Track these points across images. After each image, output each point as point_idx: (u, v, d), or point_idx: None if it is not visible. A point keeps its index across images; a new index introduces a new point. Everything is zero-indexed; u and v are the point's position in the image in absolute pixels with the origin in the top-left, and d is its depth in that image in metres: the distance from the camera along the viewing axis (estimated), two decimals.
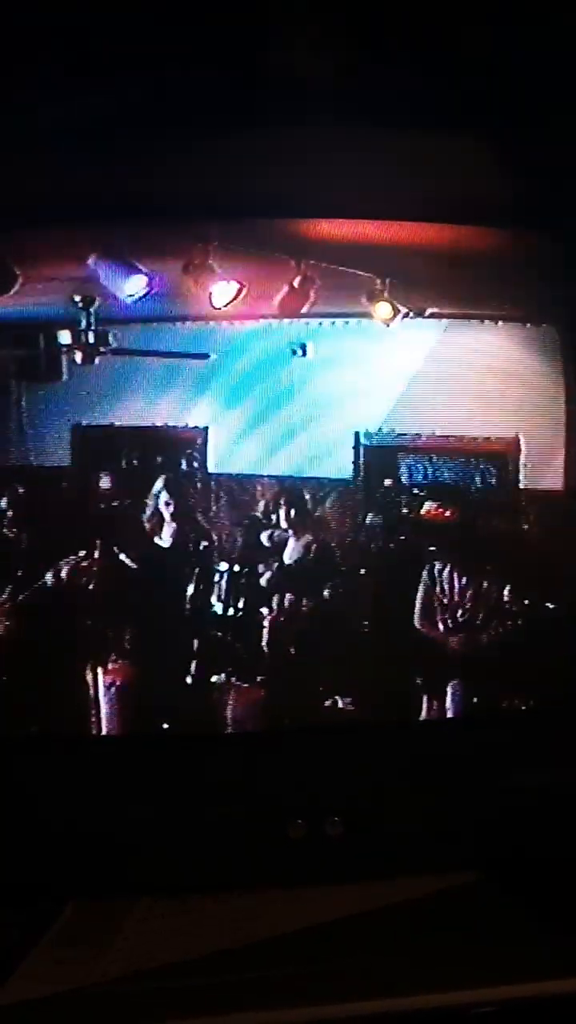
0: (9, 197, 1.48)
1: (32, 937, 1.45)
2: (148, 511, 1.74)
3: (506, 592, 1.73)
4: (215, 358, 1.72)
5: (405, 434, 1.74)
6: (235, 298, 1.70)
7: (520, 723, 1.70)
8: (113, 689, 1.69)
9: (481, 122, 1.54)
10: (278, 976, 1.35)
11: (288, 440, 1.70)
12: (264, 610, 1.73)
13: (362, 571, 1.74)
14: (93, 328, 1.68)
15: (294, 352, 1.72)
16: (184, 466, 1.76)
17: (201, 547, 1.76)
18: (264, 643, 1.72)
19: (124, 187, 1.52)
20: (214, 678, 1.71)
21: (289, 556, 1.79)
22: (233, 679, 1.71)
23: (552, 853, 1.55)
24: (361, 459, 1.76)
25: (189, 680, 1.70)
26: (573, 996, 1.32)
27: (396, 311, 1.72)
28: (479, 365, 1.72)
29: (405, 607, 1.74)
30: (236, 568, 1.75)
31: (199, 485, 1.76)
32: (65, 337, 1.69)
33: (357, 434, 1.74)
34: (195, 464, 1.75)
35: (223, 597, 1.75)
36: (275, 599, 1.74)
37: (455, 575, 1.76)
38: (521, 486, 1.74)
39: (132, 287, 1.67)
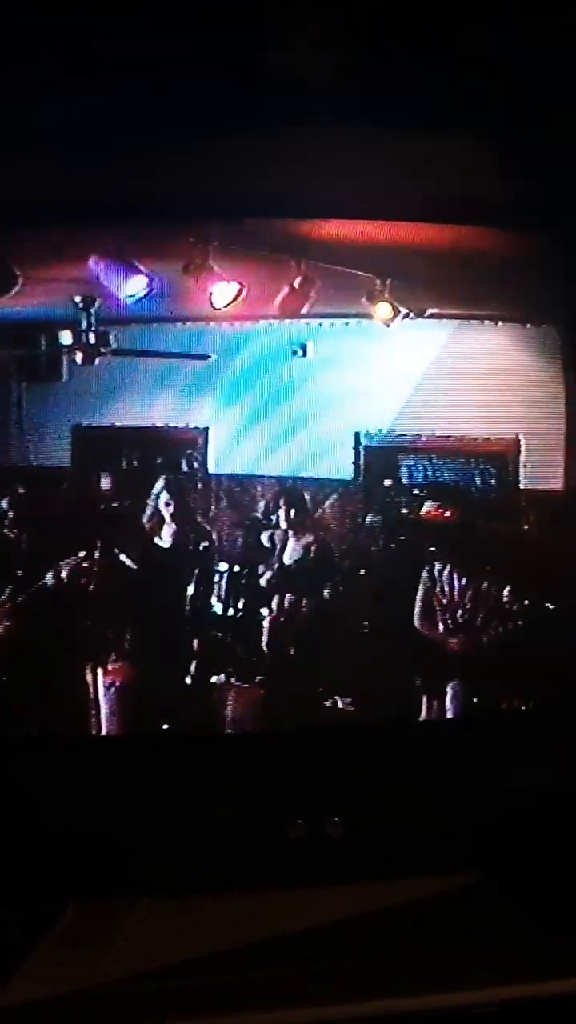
0: (9, 197, 1.48)
1: (33, 937, 1.45)
2: (148, 511, 1.75)
3: (506, 592, 1.73)
4: (215, 358, 1.72)
5: (405, 434, 1.74)
6: (235, 298, 1.71)
7: (520, 723, 1.70)
8: (113, 689, 1.69)
9: (481, 122, 1.55)
10: (278, 976, 1.35)
11: (288, 440, 1.70)
12: (264, 610, 1.74)
13: (362, 571, 1.74)
14: (93, 328, 1.68)
15: (294, 352, 1.72)
16: (184, 466, 1.76)
17: (201, 547, 1.76)
18: (264, 643, 1.72)
19: (124, 187, 1.52)
20: (214, 678, 1.71)
21: (289, 556, 1.79)
22: (233, 679, 1.71)
23: (552, 853, 1.55)
24: (361, 459, 1.76)
25: (189, 680, 1.71)
26: (573, 996, 1.32)
27: (396, 311, 1.72)
28: (479, 365, 1.73)
29: (405, 607, 1.74)
30: (236, 568, 1.76)
31: (199, 485, 1.76)
32: (66, 337, 1.69)
33: (357, 434, 1.74)
34: (195, 464, 1.76)
35: (223, 597, 1.75)
36: (275, 599, 1.75)
37: (455, 575, 1.76)
38: (521, 486, 1.74)
39: (132, 287, 1.67)
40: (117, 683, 1.70)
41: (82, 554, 1.69)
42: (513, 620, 1.72)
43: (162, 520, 1.76)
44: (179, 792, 1.53)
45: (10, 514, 1.69)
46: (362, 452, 1.76)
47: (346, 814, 1.54)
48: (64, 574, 1.69)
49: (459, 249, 1.66)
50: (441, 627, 1.75)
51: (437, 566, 1.76)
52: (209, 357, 1.72)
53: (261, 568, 1.76)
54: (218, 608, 1.75)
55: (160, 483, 1.74)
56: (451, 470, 1.77)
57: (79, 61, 1.53)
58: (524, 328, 1.73)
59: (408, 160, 1.55)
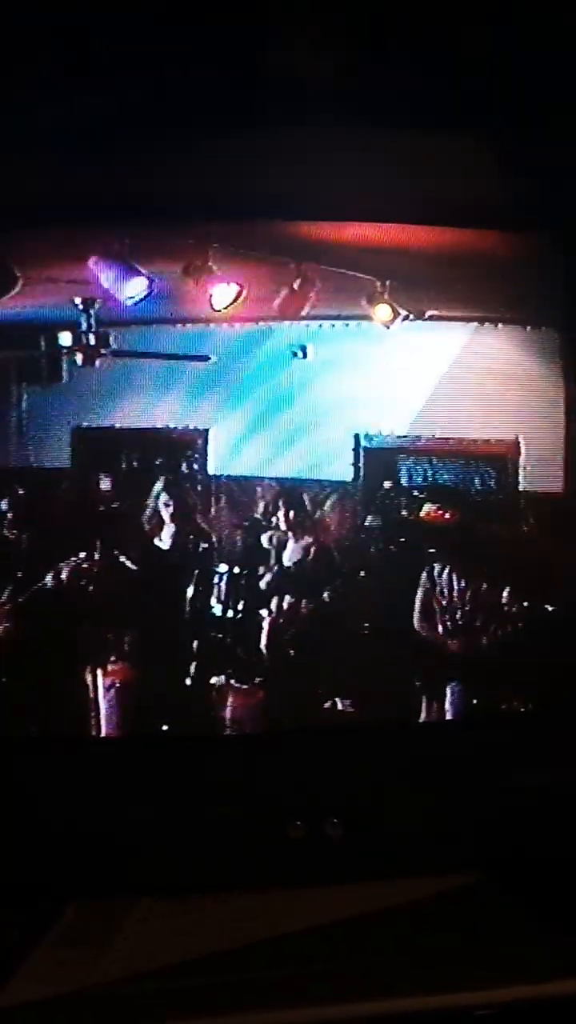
0: (9, 197, 1.48)
1: (33, 937, 1.45)
2: (148, 513, 1.75)
3: (505, 594, 1.73)
4: (215, 360, 1.72)
5: (405, 436, 1.74)
6: (235, 300, 1.70)
7: (520, 723, 1.71)
8: (113, 690, 1.69)
9: (481, 122, 1.54)
10: (278, 976, 1.35)
11: (288, 442, 1.70)
12: (264, 612, 1.74)
13: (362, 573, 1.75)
14: (94, 330, 1.68)
15: (294, 354, 1.72)
16: (184, 468, 1.76)
17: (201, 549, 1.76)
18: (264, 645, 1.72)
19: (124, 187, 1.51)
20: (214, 679, 1.71)
21: (289, 558, 1.79)
22: (233, 680, 1.71)
23: (552, 853, 1.56)
24: (361, 461, 1.76)
25: (189, 681, 1.71)
26: (573, 996, 1.32)
27: (396, 313, 1.72)
28: (479, 367, 1.73)
29: (405, 609, 1.74)
30: (236, 570, 1.76)
31: (199, 487, 1.76)
32: (66, 339, 1.69)
33: (357, 436, 1.74)
34: (195, 466, 1.76)
35: (223, 599, 1.75)
36: (275, 601, 1.75)
37: (455, 577, 1.76)
38: (521, 488, 1.74)
39: (132, 289, 1.67)
40: (117, 684, 1.70)
41: (82, 555, 1.69)
42: (512, 621, 1.72)
43: (162, 521, 1.76)
44: (179, 792, 1.53)
45: (10, 515, 1.69)
46: (362, 454, 1.76)
47: (346, 814, 1.54)
48: (64, 575, 1.69)
49: (459, 251, 1.66)
50: (441, 628, 1.75)
51: (437, 567, 1.76)
52: (209, 359, 1.72)
53: (261, 569, 1.76)
54: (218, 609, 1.75)
55: (160, 484, 1.74)
56: (451, 472, 1.77)
57: (79, 61, 1.53)
58: (524, 330, 1.73)
59: (408, 161, 1.55)
